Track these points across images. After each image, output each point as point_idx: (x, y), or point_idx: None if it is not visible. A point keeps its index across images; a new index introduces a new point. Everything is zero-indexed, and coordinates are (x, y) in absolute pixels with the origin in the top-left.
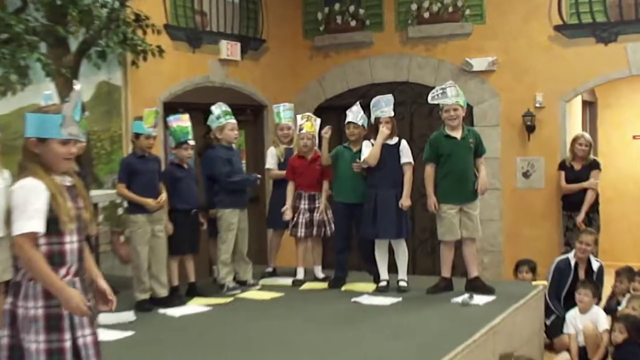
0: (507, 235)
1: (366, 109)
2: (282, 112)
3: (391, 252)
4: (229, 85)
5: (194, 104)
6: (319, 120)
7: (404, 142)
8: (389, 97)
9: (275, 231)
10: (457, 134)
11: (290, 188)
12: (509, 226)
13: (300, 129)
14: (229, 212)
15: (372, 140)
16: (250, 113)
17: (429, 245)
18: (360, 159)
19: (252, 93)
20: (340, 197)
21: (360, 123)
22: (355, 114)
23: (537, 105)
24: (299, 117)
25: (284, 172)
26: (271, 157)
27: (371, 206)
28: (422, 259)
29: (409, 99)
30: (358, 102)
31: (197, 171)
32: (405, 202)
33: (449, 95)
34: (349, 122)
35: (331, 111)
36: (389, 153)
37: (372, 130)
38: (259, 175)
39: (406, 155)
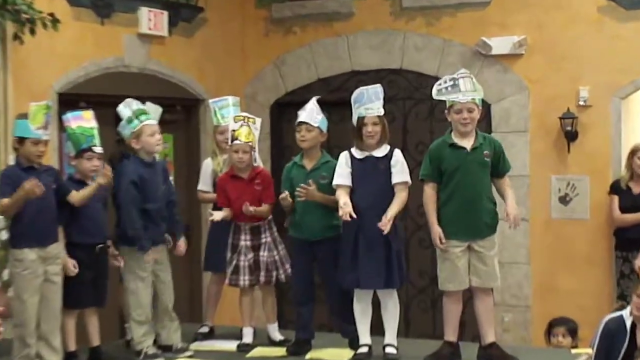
0: (537, 285)
1: (341, 109)
2: (224, 110)
3: (376, 306)
4: (152, 70)
5: (103, 96)
6: (259, 123)
7: (397, 153)
8: (378, 88)
9: (214, 276)
10: (467, 143)
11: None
12: (540, 272)
13: (233, 138)
14: (137, 249)
15: (353, 151)
16: (182, 110)
17: (428, 296)
18: (318, 178)
19: (183, 82)
20: (296, 232)
21: (316, 125)
22: (309, 112)
23: (581, 103)
24: (230, 119)
25: (211, 197)
26: (205, 174)
27: (351, 243)
28: (419, 316)
29: (403, 94)
30: (314, 99)
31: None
32: (383, 221)
33: (462, 89)
34: (300, 123)
35: (294, 109)
36: (376, 168)
37: (354, 135)
38: (169, 240)
39: (400, 171)
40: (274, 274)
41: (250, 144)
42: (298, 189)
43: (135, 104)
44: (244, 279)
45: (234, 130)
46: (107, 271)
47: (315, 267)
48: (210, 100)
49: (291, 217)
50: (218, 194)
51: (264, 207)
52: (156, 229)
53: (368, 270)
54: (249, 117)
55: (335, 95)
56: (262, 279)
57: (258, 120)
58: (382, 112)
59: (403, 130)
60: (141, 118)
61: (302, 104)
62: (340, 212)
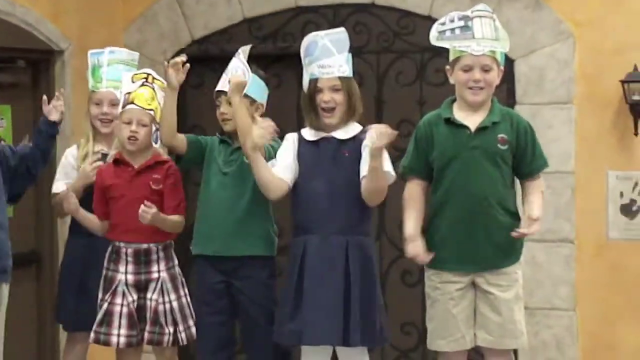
0: (587, 342)
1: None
2: (111, 68)
3: None
4: None
5: None
6: (161, 91)
7: (371, 135)
8: (340, 35)
9: (74, 334)
10: (474, 120)
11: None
12: (592, 322)
13: (125, 103)
14: None
15: (303, 132)
16: (25, 68)
17: (419, 356)
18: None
19: (28, 23)
20: (201, 247)
21: (245, 93)
22: (231, 73)
23: None
24: (126, 76)
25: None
26: (64, 169)
27: (294, 273)
28: None
29: (376, 43)
30: (243, 51)
31: None
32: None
33: (476, 35)
34: (218, 93)
35: (206, 68)
36: (337, 156)
37: (305, 107)
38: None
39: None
40: (169, 329)
41: (151, 113)
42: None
43: None
44: (119, 335)
45: (128, 93)
46: None
47: (235, 308)
48: (91, 52)
49: (198, 225)
50: (95, 193)
51: (172, 218)
52: None
53: (317, 317)
54: (154, 77)
55: (271, 46)
56: (146, 335)
57: (161, 83)
58: (346, 71)
59: (376, 100)
60: None
61: (218, 60)
62: None
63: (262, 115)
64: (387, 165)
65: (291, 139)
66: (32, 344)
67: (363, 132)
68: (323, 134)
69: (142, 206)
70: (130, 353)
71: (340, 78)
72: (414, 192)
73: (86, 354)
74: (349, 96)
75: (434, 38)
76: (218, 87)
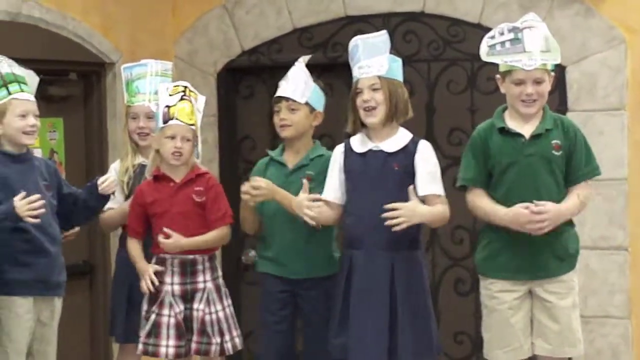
0: None
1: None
2: (141, 81)
3: None
4: (29, 18)
5: None
6: (202, 101)
7: (423, 147)
8: (381, 37)
9: (126, 346)
10: (527, 127)
11: (134, 247)
12: None
13: (167, 118)
14: (9, 303)
15: (353, 142)
16: (78, 80)
17: None
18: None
19: (80, 37)
20: (268, 266)
21: (303, 101)
22: (295, 81)
23: None
24: (162, 89)
25: (120, 208)
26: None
27: (341, 287)
28: None
29: (427, 52)
30: (302, 60)
31: None
32: (411, 209)
33: (527, 48)
34: (278, 99)
35: (255, 78)
36: (385, 170)
37: (348, 109)
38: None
39: (429, 175)
40: (216, 340)
41: (193, 128)
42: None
43: (7, 65)
44: (167, 345)
45: (168, 107)
46: None
47: (299, 317)
48: (123, 66)
49: (260, 244)
50: (131, 210)
51: (208, 237)
52: (39, 262)
53: (363, 334)
54: (190, 90)
55: (321, 56)
56: (194, 346)
57: (201, 98)
58: (384, 71)
59: (427, 109)
60: (11, 88)
61: (268, 70)
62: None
63: (319, 124)
64: (438, 188)
65: (337, 152)
66: (85, 356)
67: (413, 142)
68: (371, 146)
69: (159, 238)
70: None
71: (380, 77)
72: (477, 196)
73: None
74: (390, 96)
75: (484, 53)
76: (278, 93)
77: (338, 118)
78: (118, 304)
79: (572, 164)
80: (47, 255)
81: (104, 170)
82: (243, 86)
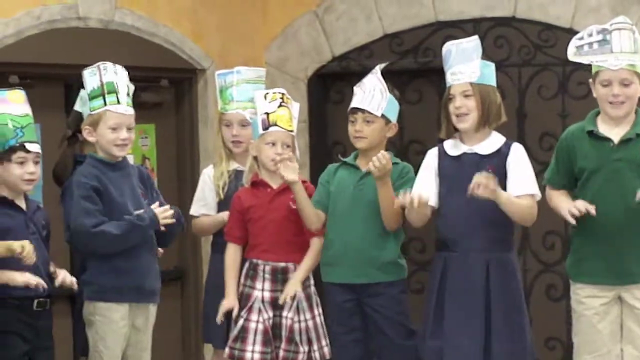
0: None
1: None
2: (235, 89)
3: None
4: (121, 25)
5: (46, 65)
6: (296, 107)
7: (516, 149)
8: (472, 43)
9: (216, 351)
10: (617, 132)
11: (231, 257)
12: None
13: (267, 125)
14: (104, 309)
15: (446, 145)
16: (169, 87)
17: None
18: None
19: (171, 43)
20: (334, 275)
21: (379, 114)
22: (369, 92)
23: None
24: (258, 96)
25: (216, 217)
26: (202, 192)
27: (434, 289)
28: None
29: (517, 57)
30: (377, 70)
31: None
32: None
33: (614, 49)
34: (354, 110)
35: (346, 84)
36: (479, 173)
37: (442, 115)
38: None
39: (521, 176)
40: (303, 348)
41: (293, 134)
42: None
43: (112, 73)
44: (253, 351)
45: (267, 114)
46: (52, 343)
47: (368, 325)
48: (217, 73)
49: (324, 249)
50: (231, 217)
51: (312, 260)
52: (135, 269)
53: (458, 335)
54: (287, 97)
55: (412, 61)
56: (281, 353)
57: (296, 105)
58: (475, 77)
59: (518, 114)
60: (108, 99)
61: (360, 75)
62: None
63: (395, 135)
64: (531, 188)
65: (431, 155)
66: None
67: (506, 144)
68: (465, 149)
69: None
70: None
71: (472, 84)
72: (554, 194)
73: None
74: (482, 102)
75: (571, 54)
76: (354, 104)
77: (428, 124)
78: (212, 310)
79: None
80: (142, 262)
81: (195, 176)
82: (333, 92)
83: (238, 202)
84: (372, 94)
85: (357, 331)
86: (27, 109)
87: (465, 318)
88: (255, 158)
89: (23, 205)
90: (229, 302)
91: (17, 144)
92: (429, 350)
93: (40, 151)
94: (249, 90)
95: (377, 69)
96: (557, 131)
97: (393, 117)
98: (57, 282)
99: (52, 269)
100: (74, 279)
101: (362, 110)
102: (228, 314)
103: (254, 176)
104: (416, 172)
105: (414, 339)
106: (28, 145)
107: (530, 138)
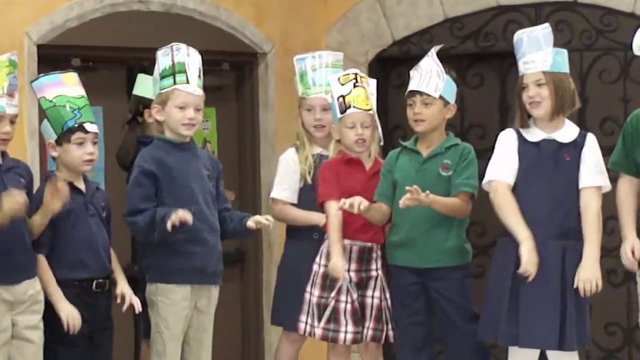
0: None
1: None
2: (317, 73)
3: None
4: (183, 9)
5: (107, 48)
6: (373, 85)
7: (591, 140)
8: (545, 30)
9: (288, 334)
10: None
11: (333, 223)
12: None
13: (344, 107)
14: (166, 290)
15: (523, 131)
16: (230, 70)
17: (625, 356)
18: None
19: (232, 27)
20: (400, 258)
21: (437, 95)
22: (426, 74)
23: None
24: (333, 80)
25: (310, 214)
26: (286, 174)
27: (507, 278)
28: None
29: (579, 42)
30: (433, 53)
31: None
32: (586, 273)
33: None
34: (412, 93)
35: (407, 68)
36: (558, 161)
37: (517, 104)
38: (187, 217)
39: (593, 167)
40: (385, 327)
41: (371, 112)
42: (407, 187)
43: (184, 54)
44: (346, 331)
45: (342, 96)
46: (111, 323)
47: (432, 308)
48: (296, 58)
49: (390, 233)
50: (326, 184)
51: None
52: (198, 250)
53: (534, 321)
54: (361, 76)
55: (472, 45)
56: (370, 332)
57: (372, 82)
58: (548, 65)
59: (580, 99)
60: (177, 78)
61: (419, 60)
62: None
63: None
64: (601, 180)
65: (510, 137)
66: (237, 343)
67: (581, 134)
68: (544, 135)
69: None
70: (346, 352)
71: (545, 73)
72: (622, 192)
73: (298, 356)
74: (556, 90)
75: (637, 48)
76: (411, 87)
77: (488, 109)
78: (284, 293)
79: None
80: (205, 244)
81: (255, 159)
82: (394, 76)
83: (334, 168)
84: (429, 76)
85: (420, 314)
86: (82, 91)
87: (542, 302)
88: (339, 142)
89: (82, 187)
90: (338, 262)
91: (76, 125)
92: (503, 335)
93: (97, 131)
94: (328, 74)
95: (433, 51)
96: (618, 116)
97: (451, 98)
98: (119, 298)
99: (118, 290)
100: (138, 303)
101: (420, 93)
102: (300, 297)
103: (344, 154)
104: (477, 156)
105: (477, 322)
106: (86, 126)
107: (591, 123)
